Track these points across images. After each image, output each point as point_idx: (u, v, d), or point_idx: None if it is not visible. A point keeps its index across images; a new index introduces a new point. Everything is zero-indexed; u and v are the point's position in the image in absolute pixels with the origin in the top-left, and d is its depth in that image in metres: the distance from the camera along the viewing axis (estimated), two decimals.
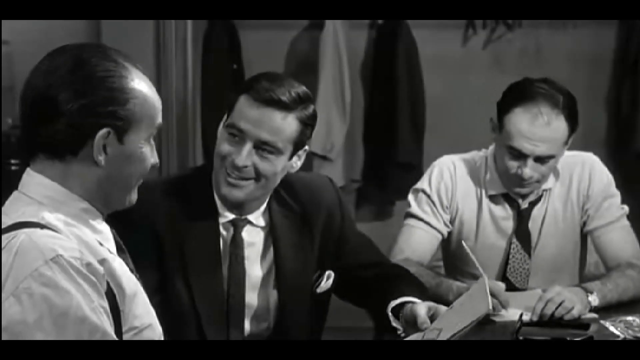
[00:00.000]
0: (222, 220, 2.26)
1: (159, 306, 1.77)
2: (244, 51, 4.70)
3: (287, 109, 2.14)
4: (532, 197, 2.72)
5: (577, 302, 2.41)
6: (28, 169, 1.64)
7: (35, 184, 1.61)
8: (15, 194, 1.64)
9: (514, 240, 2.73)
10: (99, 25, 4.32)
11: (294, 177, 2.33)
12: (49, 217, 1.58)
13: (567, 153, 2.75)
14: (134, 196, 1.70)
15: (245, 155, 2.14)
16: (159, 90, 5.05)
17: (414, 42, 4.68)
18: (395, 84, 4.66)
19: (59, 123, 1.57)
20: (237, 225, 2.27)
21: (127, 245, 1.76)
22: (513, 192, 2.70)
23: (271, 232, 2.29)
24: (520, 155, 2.57)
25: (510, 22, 4.73)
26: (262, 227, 2.29)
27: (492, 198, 2.73)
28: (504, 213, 2.74)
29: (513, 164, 2.60)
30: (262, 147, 2.15)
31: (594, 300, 2.48)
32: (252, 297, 2.29)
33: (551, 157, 2.58)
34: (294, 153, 2.21)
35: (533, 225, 2.74)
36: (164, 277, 2.19)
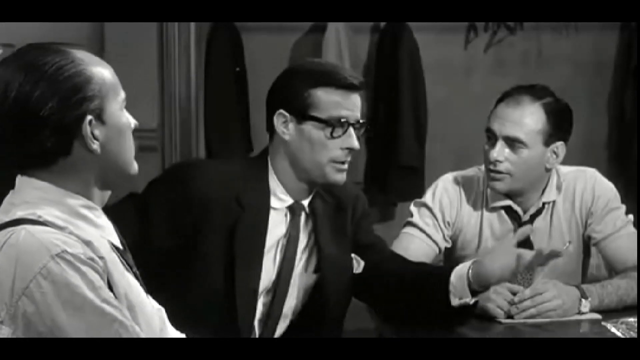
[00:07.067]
0: (279, 205, 2.33)
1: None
2: (247, 54, 4.71)
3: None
4: (532, 210, 2.73)
5: (561, 306, 2.47)
6: (19, 176, 1.62)
7: (29, 188, 1.60)
8: (10, 195, 1.63)
9: None
10: (102, 28, 4.33)
11: None
12: (47, 215, 1.56)
13: (570, 168, 2.77)
14: (135, 166, 1.69)
15: None
16: (162, 93, 5.04)
17: (416, 46, 4.68)
18: (398, 87, 4.66)
19: (44, 132, 1.56)
20: (294, 209, 2.34)
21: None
22: (491, 185, 2.70)
23: (311, 217, 2.37)
24: (492, 137, 2.65)
25: (512, 25, 4.74)
26: (307, 213, 2.38)
27: (493, 211, 2.75)
28: (505, 226, 2.74)
29: (486, 148, 2.67)
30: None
31: (585, 307, 2.50)
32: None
33: (519, 142, 2.61)
34: None
35: (535, 238, 2.73)
36: (202, 260, 2.26)
